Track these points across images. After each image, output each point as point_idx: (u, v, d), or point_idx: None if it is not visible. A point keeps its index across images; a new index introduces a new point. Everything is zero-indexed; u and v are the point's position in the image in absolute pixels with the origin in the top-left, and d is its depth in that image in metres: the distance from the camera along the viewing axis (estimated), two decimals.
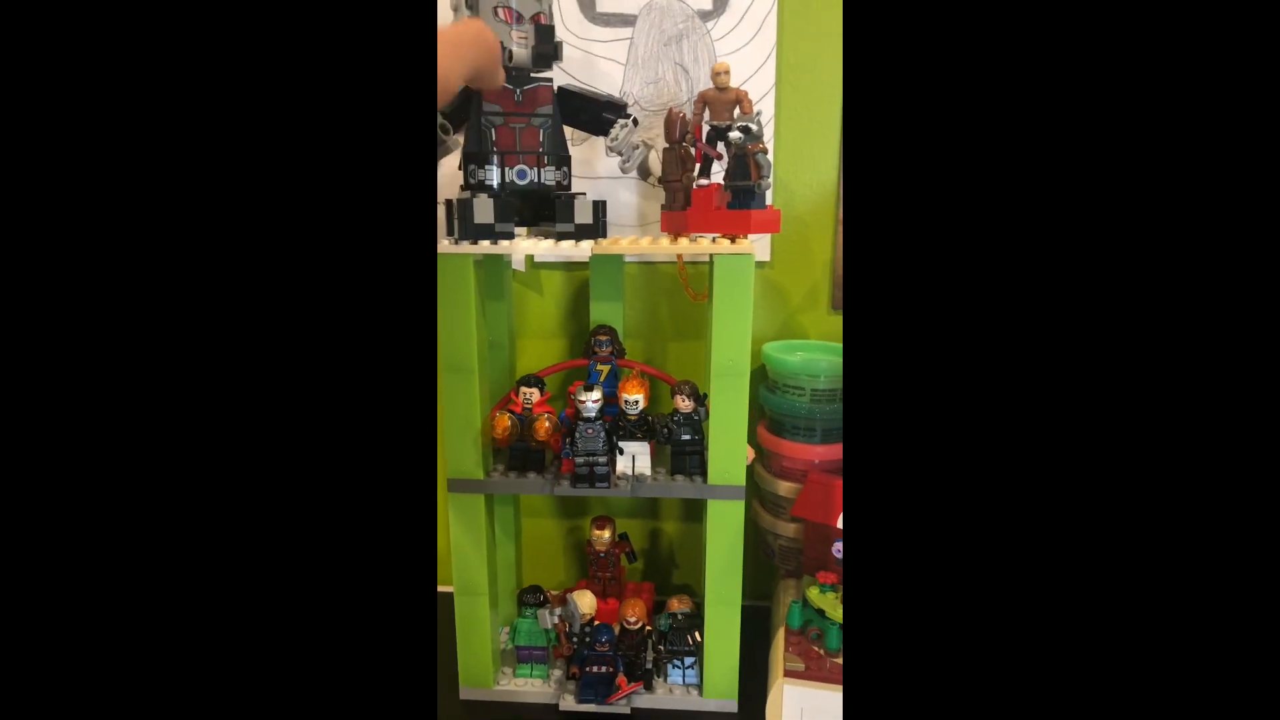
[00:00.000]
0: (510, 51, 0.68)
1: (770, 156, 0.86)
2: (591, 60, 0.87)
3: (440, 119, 0.71)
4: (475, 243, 0.69)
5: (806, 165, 0.89)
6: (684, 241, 0.73)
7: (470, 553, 0.77)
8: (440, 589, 0.98)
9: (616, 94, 0.88)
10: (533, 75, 0.72)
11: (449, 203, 0.70)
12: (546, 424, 0.73)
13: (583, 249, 0.72)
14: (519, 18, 0.69)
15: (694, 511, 1.01)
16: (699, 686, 0.79)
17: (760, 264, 0.92)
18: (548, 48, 0.70)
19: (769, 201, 0.80)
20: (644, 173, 0.81)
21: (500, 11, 0.68)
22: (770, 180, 0.72)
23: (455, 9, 0.69)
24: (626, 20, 0.86)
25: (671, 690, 0.79)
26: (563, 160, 0.75)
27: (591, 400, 0.71)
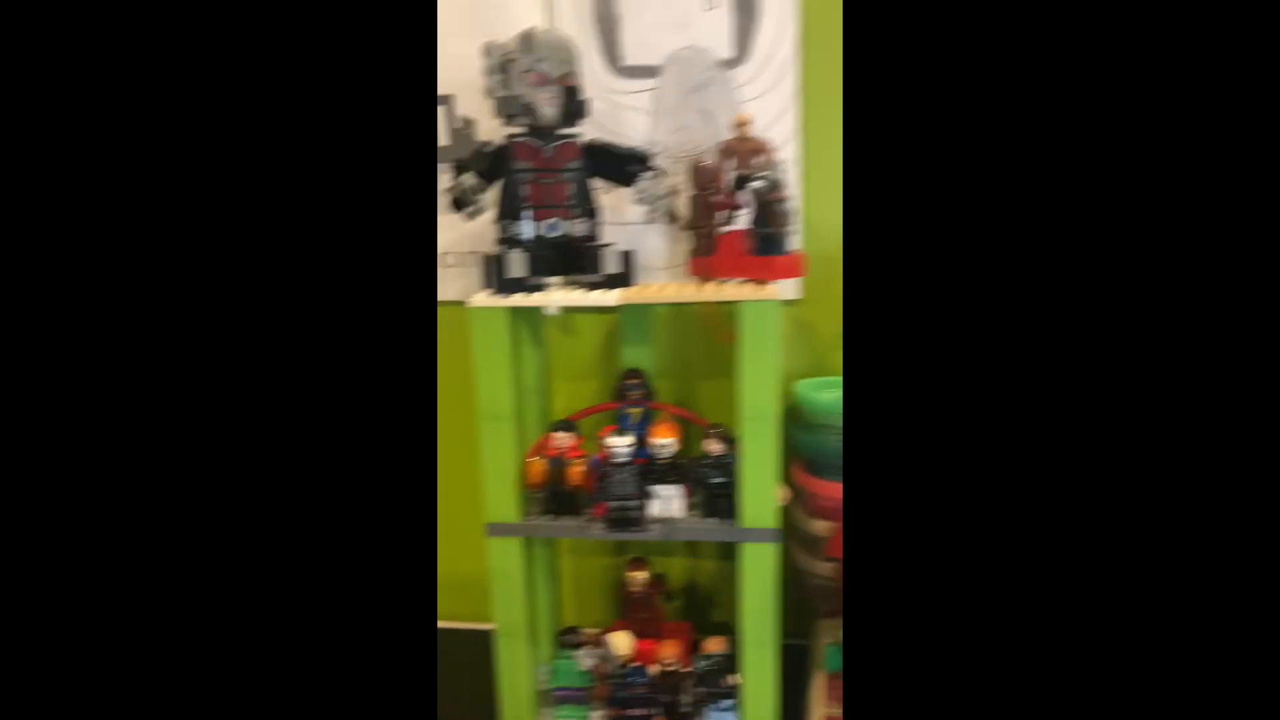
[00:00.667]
0: (539, 112, 0.72)
1: (795, 200, 0.88)
2: (618, 111, 0.90)
3: (473, 179, 0.74)
4: (509, 295, 0.72)
5: (833, 204, 0.90)
6: (709, 287, 0.74)
7: (509, 594, 0.79)
8: (482, 628, 1.00)
9: (644, 142, 0.90)
10: (561, 133, 0.75)
11: (485, 257, 0.74)
12: (579, 468, 0.75)
13: (612, 297, 0.74)
14: (547, 80, 0.72)
15: (730, 549, 1.00)
16: None
17: (791, 302, 0.93)
18: (574, 106, 0.73)
19: (795, 245, 0.81)
20: (673, 217, 0.83)
21: (529, 75, 0.71)
22: (793, 228, 0.73)
23: (487, 74, 0.73)
24: (651, 72, 0.89)
25: None
26: (592, 212, 0.77)
27: (622, 446, 0.73)
